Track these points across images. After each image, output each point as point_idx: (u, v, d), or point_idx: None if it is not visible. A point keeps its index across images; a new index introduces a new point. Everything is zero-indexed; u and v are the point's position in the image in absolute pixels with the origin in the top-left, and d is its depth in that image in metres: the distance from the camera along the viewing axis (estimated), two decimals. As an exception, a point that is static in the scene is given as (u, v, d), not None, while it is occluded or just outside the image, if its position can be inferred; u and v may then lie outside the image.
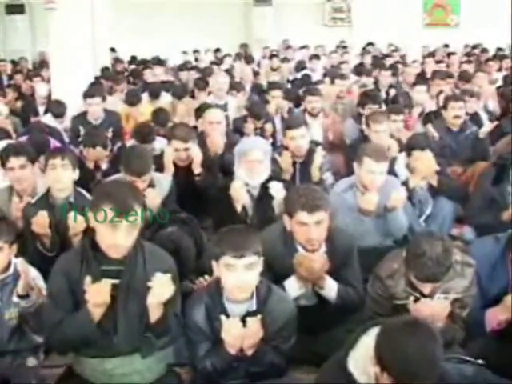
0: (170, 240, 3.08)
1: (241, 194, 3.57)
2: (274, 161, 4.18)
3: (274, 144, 5.51)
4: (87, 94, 5.79)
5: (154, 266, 2.37)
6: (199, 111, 5.34)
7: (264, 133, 5.52)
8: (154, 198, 3.52)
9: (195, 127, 5.11)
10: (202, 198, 4.03)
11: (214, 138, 4.59)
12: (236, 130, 5.59)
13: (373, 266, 2.76)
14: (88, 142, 4.51)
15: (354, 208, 3.58)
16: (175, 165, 4.20)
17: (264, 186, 3.66)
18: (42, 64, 11.03)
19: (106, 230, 2.25)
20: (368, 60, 10.02)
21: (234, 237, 2.36)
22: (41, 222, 3.23)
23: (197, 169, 4.19)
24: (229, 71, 8.66)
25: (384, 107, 5.75)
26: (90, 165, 4.47)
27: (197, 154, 4.20)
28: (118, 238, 2.25)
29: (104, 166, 4.54)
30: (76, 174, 3.46)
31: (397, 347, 1.79)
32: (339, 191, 3.68)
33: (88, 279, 2.29)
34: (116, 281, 2.32)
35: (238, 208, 3.58)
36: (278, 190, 3.57)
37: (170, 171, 4.13)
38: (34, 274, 2.77)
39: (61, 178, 3.37)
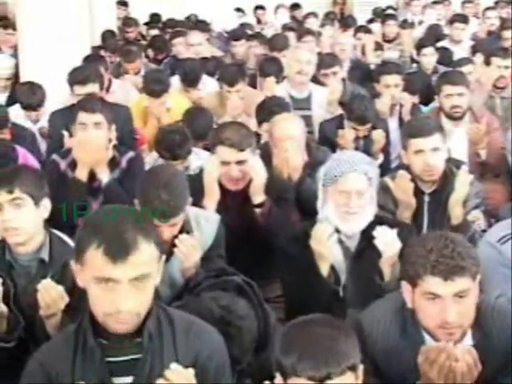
0: (218, 306, 3.05)
1: (328, 247, 3.61)
2: (384, 190, 4.25)
3: (386, 163, 5.61)
4: (75, 79, 5.61)
5: (190, 348, 2.46)
6: (263, 111, 5.47)
7: (370, 145, 5.62)
8: (191, 251, 3.55)
9: (257, 134, 5.21)
10: (266, 249, 4.09)
11: (287, 157, 4.60)
12: (324, 140, 5.69)
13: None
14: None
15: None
16: (222, 188, 4.25)
17: (367, 235, 3.70)
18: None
19: (100, 289, 2.32)
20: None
21: (314, 344, 2.35)
22: None
23: (258, 196, 4.23)
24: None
25: None
26: (82, 173, 4.54)
27: (258, 172, 4.23)
28: (118, 299, 2.30)
29: (104, 177, 4.62)
30: (43, 211, 3.47)
31: None
32: (495, 241, 3.67)
33: None
34: (128, 379, 2.41)
35: (324, 270, 3.63)
36: (388, 242, 3.59)
37: (214, 199, 4.17)
38: None
39: (13, 217, 3.36)
